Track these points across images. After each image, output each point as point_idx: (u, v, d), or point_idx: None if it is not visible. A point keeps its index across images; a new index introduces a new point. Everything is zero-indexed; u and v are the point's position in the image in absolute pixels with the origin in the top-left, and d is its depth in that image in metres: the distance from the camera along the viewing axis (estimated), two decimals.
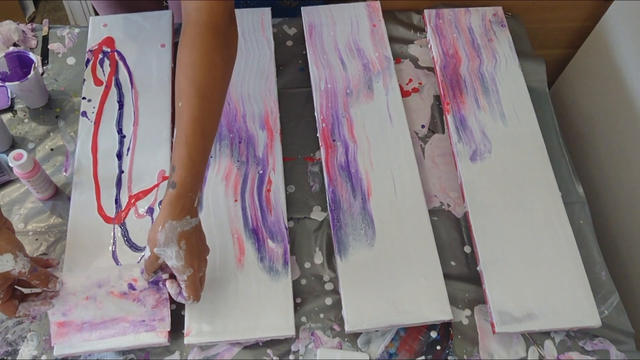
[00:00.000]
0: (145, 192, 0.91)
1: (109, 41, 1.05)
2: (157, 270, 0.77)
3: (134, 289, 0.79)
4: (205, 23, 0.74)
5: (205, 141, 0.74)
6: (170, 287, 0.77)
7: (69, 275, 0.79)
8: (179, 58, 0.75)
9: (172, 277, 0.77)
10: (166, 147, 0.95)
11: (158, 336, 0.80)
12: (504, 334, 0.85)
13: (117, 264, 0.85)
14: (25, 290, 0.77)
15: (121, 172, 0.93)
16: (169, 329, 0.81)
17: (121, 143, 0.96)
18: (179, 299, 0.77)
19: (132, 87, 1.01)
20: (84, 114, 0.98)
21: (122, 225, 0.88)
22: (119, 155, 0.94)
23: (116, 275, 0.79)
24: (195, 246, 0.74)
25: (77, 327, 0.78)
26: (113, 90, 1.01)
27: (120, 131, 0.96)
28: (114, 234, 0.87)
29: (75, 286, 0.78)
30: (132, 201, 0.90)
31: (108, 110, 0.99)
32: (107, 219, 0.88)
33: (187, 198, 0.72)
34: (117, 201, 0.90)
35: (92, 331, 0.79)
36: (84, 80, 1.01)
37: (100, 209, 0.89)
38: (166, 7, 1.18)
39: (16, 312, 0.73)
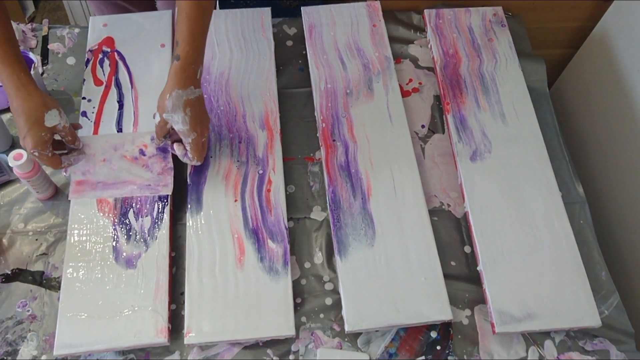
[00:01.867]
0: None
1: (109, 41, 1.05)
2: (166, 136, 0.88)
3: (144, 155, 0.91)
4: None
5: (204, 17, 0.82)
6: (177, 149, 0.87)
7: (89, 138, 0.92)
8: None
9: (179, 143, 0.88)
10: None
11: (158, 336, 0.80)
12: (504, 334, 0.85)
13: (119, 259, 0.85)
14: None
15: None
16: (170, 193, 0.89)
17: None
18: (185, 160, 0.88)
19: (132, 87, 1.01)
20: (84, 114, 0.98)
21: (123, 222, 0.88)
22: None
23: (129, 141, 0.92)
24: (198, 113, 0.83)
25: (92, 185, 0.89)
26: (113, 90, 1.01)
27: (120, 131, 0.96)
28: (115, 231, 0.87)
29: (95, 147, 0.91)
30: None
31: (108, 110, 0.99)
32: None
33: (190, 69, 0.81)
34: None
35: (105, 190, 0.89)
36: (84, 80, 1.01)
37: (100, 209, 0.89)
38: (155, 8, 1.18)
39: (61, 163, 0.86)
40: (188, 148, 0.86)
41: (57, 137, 0.85)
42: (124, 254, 0.86)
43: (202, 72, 0.83)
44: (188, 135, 0.84)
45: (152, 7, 1.22)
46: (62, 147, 0.88)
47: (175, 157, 0.91)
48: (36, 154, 0.82)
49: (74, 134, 0.87)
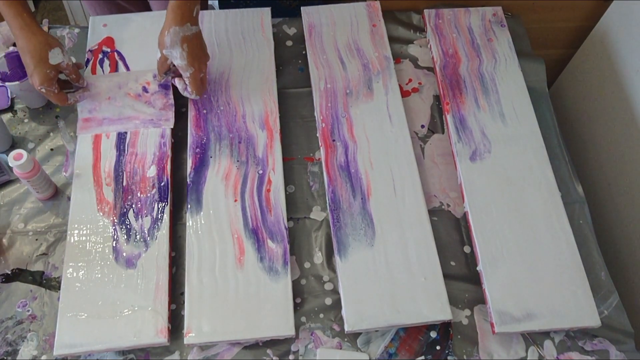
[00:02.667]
0: None
1: (109, 41, 1.05)
2: (167, 72, 0.95)
3: (147, 92, 0.97)
4: None
5: None
6: (178, 83, 0.94)
7: (95, 78, 0.98)
8: None
9: (180, 78, 0.93)
10: None
11: (158, 336, 0.80)
12: (503, 334, 0.85)
13: (119, 259, 0.85)
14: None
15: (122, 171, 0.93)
16: (172, 127, 0.95)
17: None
18: (185, 94, 0.94)
19: None
20: None
21: (123, 222, 0.88)
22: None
23: (133, 79, 0.98)
24: (195, 49, 0.89)
25: (98, 122, 0.95)
26: None
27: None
28: (115, 231, 0.87)
29: (101, 86, 0.97)
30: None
31: None
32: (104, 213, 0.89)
33: (185, 7, 0.85)
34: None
35: (110, 125, 0.95)
36: None
37: (100, 209, 0.89)
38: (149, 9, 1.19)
39: (67, 100, 0.92)
40: (187, 82, 0.91)
41: (63, 77, 0.91)
42: (124, 254, 0.86)
43: (198, 10, 0.88)
44: (186, 70, 0.89)
45: (146, 6, 1.22)
46: (68, 86, 0.95)
47: (176, 96, 0.97)
48: (43, 90, 0.88)
49: (77, 72, 0.93)
